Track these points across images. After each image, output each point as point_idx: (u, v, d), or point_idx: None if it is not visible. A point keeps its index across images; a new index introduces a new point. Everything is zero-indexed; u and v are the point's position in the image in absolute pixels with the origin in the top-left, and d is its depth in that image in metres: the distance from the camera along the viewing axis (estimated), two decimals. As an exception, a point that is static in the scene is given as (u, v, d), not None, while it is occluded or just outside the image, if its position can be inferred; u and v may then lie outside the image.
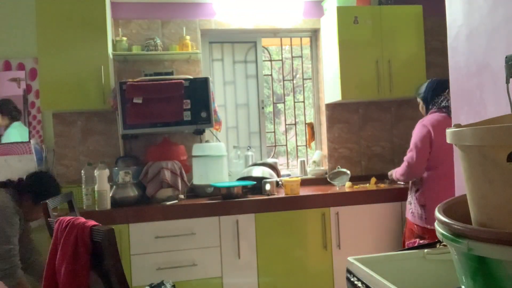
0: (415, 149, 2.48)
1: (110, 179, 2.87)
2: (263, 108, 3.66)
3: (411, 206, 2.57)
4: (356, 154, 3.62)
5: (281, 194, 2.98)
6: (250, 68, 3.67)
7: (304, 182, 3.38)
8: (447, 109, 2.49)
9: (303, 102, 3.82)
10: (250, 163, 3.37)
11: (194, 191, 3.14)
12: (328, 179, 3.22)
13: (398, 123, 3.67)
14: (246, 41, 3.66)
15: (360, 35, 3.23)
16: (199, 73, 3.39)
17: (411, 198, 2.59)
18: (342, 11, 3.23)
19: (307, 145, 3.74)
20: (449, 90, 2.48)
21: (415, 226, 2.53)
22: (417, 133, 2.51)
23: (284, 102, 3.80)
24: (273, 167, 3.26)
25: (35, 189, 2.33)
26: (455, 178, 2.19)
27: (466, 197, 0.86)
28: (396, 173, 2.67)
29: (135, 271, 2.71)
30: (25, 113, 3.19)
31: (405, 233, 2.74)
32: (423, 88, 2.64)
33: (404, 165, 2.55)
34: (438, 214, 0.85)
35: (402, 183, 2.98)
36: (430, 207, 2.47)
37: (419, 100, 2.69)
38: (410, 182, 2.64)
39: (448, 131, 0.83)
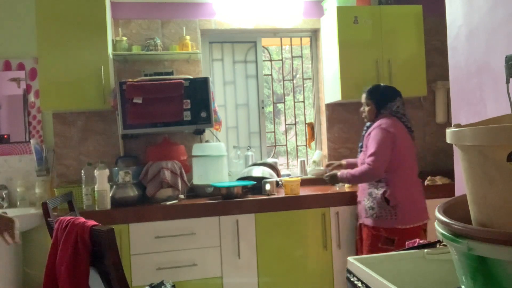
0: (379, 153, 2.47)
1: (110, 179, 2.86)
2: (263, 108, 3.66)
3: (375, 211, 2.52)
4: (356, 154, 3.61)
5: (281, 194, 2.97)
6: (250, 68, 3.67)
7: (304, 182, 3.37)
8: (395, 114, 2.58)
9: (303, 102, 3.82)
10: (250, 163, 3.37)
11: (194, 191, 3.14)
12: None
13: (398, 123, 3.66)
14: (246, 41, 3.66)
15: (360, 35, 3.23)
16: (199, 73, 3.39)
17: (372, 203, 2.54)
18: (342, 11, 3.22)
19: (307, 145, 3.74)
20: (399, 98, 2.61)
21: (382, 229, 2.50)
22: (379, 137, 2.50)
23: (284, 102, 3.80)
24: (273, 167, 3.25)
25: None
26: (455, 178, 2.18)
27: (466, 197, 0.86)
28: (348, 173, 2.60)
29: (135, 271, 2.71)
30: (25, 113, 3.19)
31: (361, 240, 2.69)
32: (377, 93, 2.64)
33: (365, 167, 2.52)
34: (438, 214, 0.85)
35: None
36: (402, 207, 2.47)
37: (369, 102, 2.64)
38: (367, 185, 2.60)
39: (448, 131, 0.83)
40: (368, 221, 2.57)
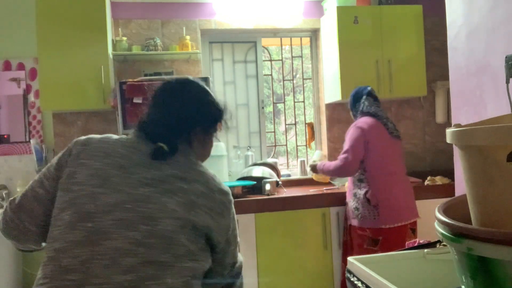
0: (351, 150, 2.52)
1: (110, 179, 2.86)
2: (263, 108, 3.66)
3: (359, 211, 2.52)
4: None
5: (281, 194, 2.97)
6: (250, 68, 3.67)
7: (304, 182, 3.37)
8: (370, 114, 2.60)
9: (303, 102, 3.82)
10: (250, 163, 3.37)
11: (194, 191, 3.13)
12: (328, 179, 3.22)
13: (398, 123, 3.66)
14: (246, 41, 3.66)
15: (360, 35, 3.23)
16: (199, 73, 3.39)
17: (357, 203, 2.54)
18: (342, 11, 3.22)
19: (307, 145, 3.74)
20: (366, 97, 2.62)
21: (367, 230, 2.50)
22: (351, 135, 2.56)
23: (284, 102, 3.80)
24: (273, 167, 3.26)
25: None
26: (455, 178, 2.18)
27: (466, 197, 0.86)
28: (325, 166, 2.70)
29: (135, 271, 2.71)
30: (25, 113, 3.19)
31: (349, 241, 2.71)
32: (349, 98, 2.75)
33: (338, 162, 2.58)
34: (438, 214, 0.85)
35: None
36: (383, 206, 2.46)
37: (348, 108, 2.80)
38: (352, 186, 2.61)
39: (448, 131, 0.83)
40: (355, 222, 2.57)
